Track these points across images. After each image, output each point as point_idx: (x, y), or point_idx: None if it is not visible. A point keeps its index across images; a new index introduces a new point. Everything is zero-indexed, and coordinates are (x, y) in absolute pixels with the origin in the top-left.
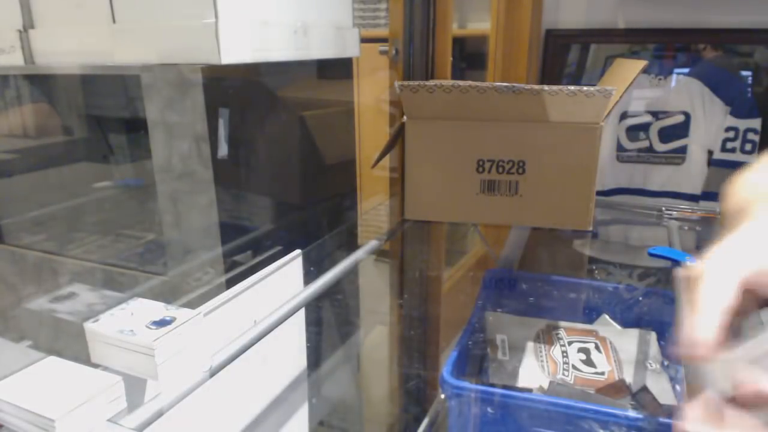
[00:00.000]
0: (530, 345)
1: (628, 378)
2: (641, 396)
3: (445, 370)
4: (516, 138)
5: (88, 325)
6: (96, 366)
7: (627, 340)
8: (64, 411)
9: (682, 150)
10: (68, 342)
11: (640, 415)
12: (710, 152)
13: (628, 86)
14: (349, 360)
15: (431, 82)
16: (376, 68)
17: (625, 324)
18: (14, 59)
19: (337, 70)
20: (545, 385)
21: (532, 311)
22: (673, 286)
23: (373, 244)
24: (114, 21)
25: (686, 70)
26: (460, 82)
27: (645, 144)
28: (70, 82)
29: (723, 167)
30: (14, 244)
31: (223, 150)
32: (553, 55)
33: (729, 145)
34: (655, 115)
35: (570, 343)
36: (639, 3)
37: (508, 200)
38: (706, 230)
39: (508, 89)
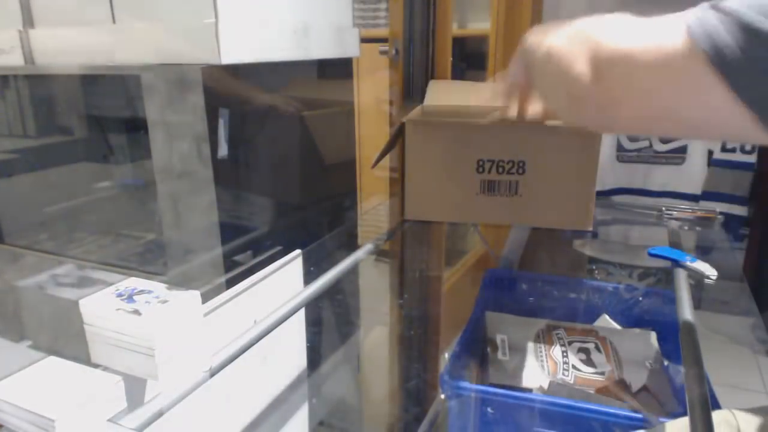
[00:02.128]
0: (530, 345)
1: (628, 378)
2: (641, 396)
3: (445, 370)
4: (516, 138)
5: (88, 327)
6: (96, 366)
7: (627, 340)
8: (64, 411)
9: (682, 150)
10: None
11: (640, 415)
12: (710, 152)
13: None
14: (349, 360)
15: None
16: (376, 68)
17: (625, 324)
18: (14, 59)
19: (337, 70)
20: (545, 385)
21: (532, 311)
22: (673, 285)
23: (373, 244)
24: (114, 21)
25: None
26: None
27: (645, 144)
28: (70, 82)
29: (723, 167)
30: (14, 244)
31: (223, 150)
32: None
33: (729, 145)
34: None
35: (570, 343)
36: (639, 3)
37: (508, 200)
38: (706, 230)
39: None
